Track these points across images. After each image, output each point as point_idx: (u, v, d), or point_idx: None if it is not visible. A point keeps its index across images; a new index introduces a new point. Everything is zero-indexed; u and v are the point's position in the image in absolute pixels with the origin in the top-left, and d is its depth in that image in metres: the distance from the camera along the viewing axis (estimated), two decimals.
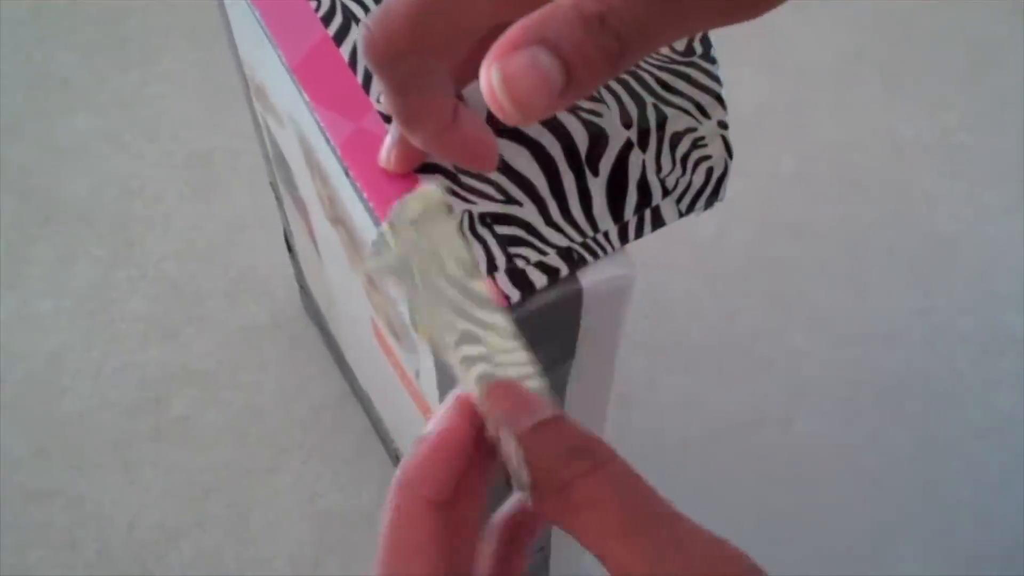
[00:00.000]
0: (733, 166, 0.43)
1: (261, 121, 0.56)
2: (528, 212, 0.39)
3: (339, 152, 0.40)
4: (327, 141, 0.41)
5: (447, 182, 0.39)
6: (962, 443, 0.80)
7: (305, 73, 0.41)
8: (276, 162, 0.59)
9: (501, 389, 0.31)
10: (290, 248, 0.75)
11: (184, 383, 0.80)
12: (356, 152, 0.40)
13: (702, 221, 0.87)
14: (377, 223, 0.39)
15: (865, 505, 0.78)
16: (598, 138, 0.41)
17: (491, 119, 0.40)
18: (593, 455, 0.29)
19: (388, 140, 0.39)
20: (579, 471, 0.29)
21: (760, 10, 0.30)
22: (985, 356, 0.82)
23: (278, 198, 0.68)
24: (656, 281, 0.84)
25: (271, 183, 0.67)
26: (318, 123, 0.41)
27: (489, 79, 0.29)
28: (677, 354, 0.82)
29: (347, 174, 0.40)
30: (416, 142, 0.36)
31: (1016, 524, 0.77)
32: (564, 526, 0.30)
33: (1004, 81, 0.93)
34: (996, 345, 0.83)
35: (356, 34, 0.42)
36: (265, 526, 0.76)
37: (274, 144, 0.56)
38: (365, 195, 0.39)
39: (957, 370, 0.82)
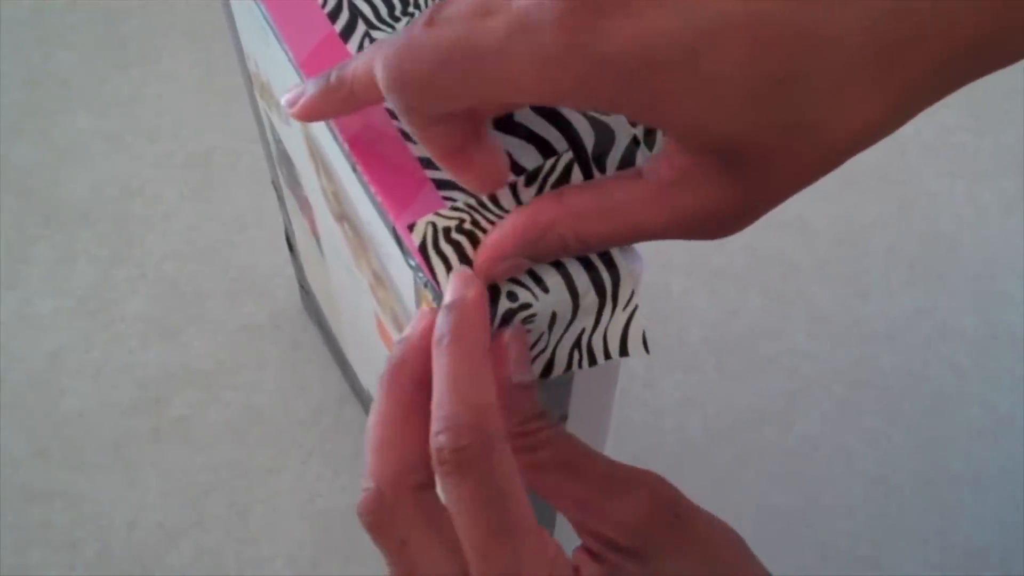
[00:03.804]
0: None
1: (265, 119, 0.56)
2: None
3: (346, 147, 0.40)
4: (334, 136, 0.41)
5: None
6: (962, 443, 0.80)
7: (312, 69, 0.41)
8: (279, 160, 0.59)
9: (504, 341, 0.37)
10: (291, 248, 0.75)
11: (184, 383, 0.80)
12: (364, 147, 0.40)
13: None
14: (384, 217, 0.39)
15: (865, 505, 0.78)
16: (604, 135, 0.41)
17: (506, 120, 0.40)
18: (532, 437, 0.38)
19: (307, 88, 0.39)
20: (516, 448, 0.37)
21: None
22: (985, 356, 0.83)
23: (280, 197, 0.68)
24: (656, 281, 0.84)
25: (273, 182, 0.67)
26: None
27: (478, 272, 0.37)
28: (677, 354, 0.82)
29: (354, 169, 0.40)
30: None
31: (1016, 524, 0.77)
32: None
33: (1004, 81, 0.93)
34: (996, 345, 0.83)
35: (362, 30, 0.42)
36: (265, 526, 0.76)
37: (278, 142, 0.56)
38: (373, 189, 0.39)
39: (957, 370, 0.82)
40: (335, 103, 0.39)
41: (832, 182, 0.89)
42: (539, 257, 0.37)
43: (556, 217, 0.35)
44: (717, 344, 0.83)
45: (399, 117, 0.35)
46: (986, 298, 0.85)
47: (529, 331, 0.38)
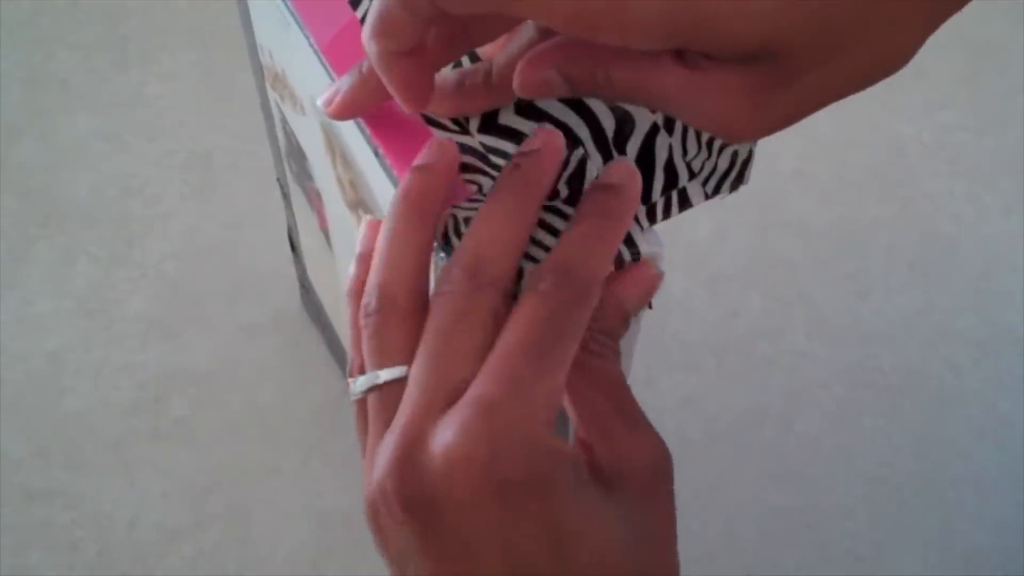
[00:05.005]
0: None
1: (276, 111, 0.56)
2: None
3: (368, 131, 0.40)
4: (356, 121, 0.41)
5: (477, 161, 0.40)
6: (962, 443, 0.80)
7: (334, 54, 0.42)
8: (289, 154, 0.59)
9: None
10: (293, 246, 0.75)
11: (184, 383, 0.80)
12: (385, 131, 0.40)
13: (701, 221, 0.87)
14: None
15: (865, 505, 0.78)
16: (624, 121, 0.41)
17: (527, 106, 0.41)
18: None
19: (341, 85, 0.40)
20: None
21: None
22: (985, 356, 0.83)
23: (285, 195, 0.68)
24: None
25: (278, 179, 0.67)
26: None
27: (516, 77, 0.37)
28: (677, 354, 0.82)
29: (376, 153, 0.40)
30: (370, 49, 0.36)
31: (1016, 524, 0.77)
32: None
33: (1004, 81, 0.93)
34: (996, 345, 0.83)
35: None
36: (265, 526, 0.75)
37: (289, 135, 0.56)
38: (395, 172, 0.39)
39: (957, 370, 0.82)
40: (372, 92, 0.39)
41: (832, 182, 0.89)
42: (572, 79, 0.37)
43: (590, 50, 0.36)
44: (717, 344, 0.83)
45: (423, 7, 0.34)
46: (986, 298, 0.85)
47: None
